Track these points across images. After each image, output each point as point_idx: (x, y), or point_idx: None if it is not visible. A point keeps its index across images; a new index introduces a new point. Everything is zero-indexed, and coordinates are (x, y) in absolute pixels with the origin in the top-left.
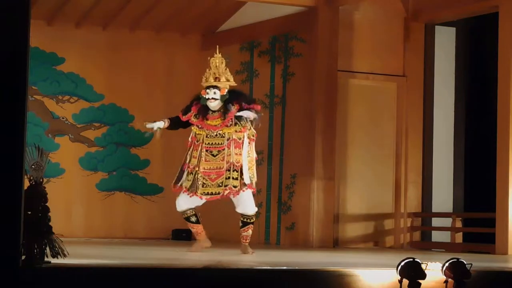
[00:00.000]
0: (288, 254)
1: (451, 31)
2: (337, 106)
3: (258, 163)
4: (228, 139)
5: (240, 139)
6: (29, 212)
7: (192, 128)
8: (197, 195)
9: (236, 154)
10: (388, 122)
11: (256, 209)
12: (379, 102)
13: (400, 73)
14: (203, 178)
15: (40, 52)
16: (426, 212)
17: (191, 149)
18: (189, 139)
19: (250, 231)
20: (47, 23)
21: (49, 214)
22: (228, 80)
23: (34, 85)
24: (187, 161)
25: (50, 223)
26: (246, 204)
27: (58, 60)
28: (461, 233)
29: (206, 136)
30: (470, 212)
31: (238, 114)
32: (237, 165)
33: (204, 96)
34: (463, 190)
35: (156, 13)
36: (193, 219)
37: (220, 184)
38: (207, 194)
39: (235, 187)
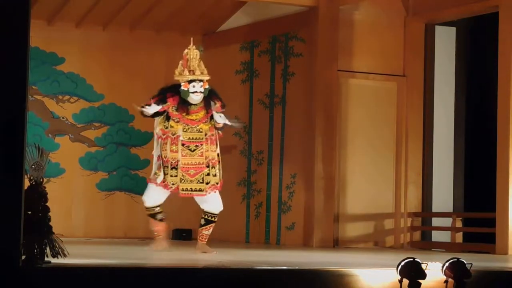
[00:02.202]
0: (288, 254)
1: (451, 31)
2: (337, 106)
3: (258, 163)
4: (206, 135)
5: (213, 135)
6: (29, 212)
7: (170, 122)
8: (175, 191)
9: (212, 151)
10: (388, 122)
11: (222, 208)
12: (379, 102)
13: (400, 73)
14: (181, 174)
15: (40, 52)
16: (426, 212)
17: (168, 143)
18: (158, 132)
19: (211, 230)
20: (47, 23)
21: (49, 214)
22: (206, 73)
23: (34, 85)
24: (167, 156)
25: (50, 223)
26: (215, 201)
27: (58, 60)
28: (461, 233)
29: (184, 130)
30: (470, 212)
31: (221, 120)
32: (213, 161)
33: (186, 89)
34: (463, 190)
35: (156, 13)
36: (159, 216)
37: (201, 181)
38: (187, 190)
39: (216, 183)
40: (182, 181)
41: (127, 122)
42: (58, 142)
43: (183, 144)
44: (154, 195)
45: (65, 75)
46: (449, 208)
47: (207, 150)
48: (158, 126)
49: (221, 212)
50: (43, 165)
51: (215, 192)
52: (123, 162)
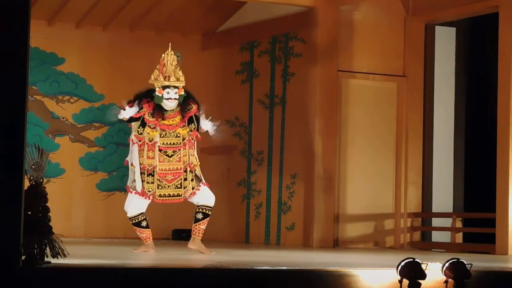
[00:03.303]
0: (288, 254)
1: (451, 31)
2: (337, 106)
3: (258, 163)
4: (183, 139)
5: (192, 139)
6: (29, 212)
7: (145, 128)
8: (152, 198)
9: (191, 155)
10: (388, 122)
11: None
12: (379, 102)
13: (400, 73)
14: (158, 180)
15: (40, 52)
16: (426, 212)
17: (144, 150)
18: (133, 138)
19: (206, 225)
20: (47, 23)
21: (49, 214)
22: (182, 79)
23: (34, 85)
24: (143, 163)
25: (50, 223)
26: (207, 195)
27: (58, 60)
28: (461, 233)
29: (161, 136)
30: (470, 212)
31: (202, 125)
32: (192, 166)
33: (160, 95)
34: (463, 190)
35: (156, 13)
36: (144, 223)
37: (179, 186)
38: (164, 196)
39: (193, 188)
40: (160, 187)
41: (127, 122)
42: (58, 142)
43: (160, 150)
44: (136, 204)
45: (65, 75)
46: (449, 208)
47: (185, 155)
48: (132, 132)
49: (221, 212)
50: (43, 165)
51: (200, 187)
52: (123, 162)
